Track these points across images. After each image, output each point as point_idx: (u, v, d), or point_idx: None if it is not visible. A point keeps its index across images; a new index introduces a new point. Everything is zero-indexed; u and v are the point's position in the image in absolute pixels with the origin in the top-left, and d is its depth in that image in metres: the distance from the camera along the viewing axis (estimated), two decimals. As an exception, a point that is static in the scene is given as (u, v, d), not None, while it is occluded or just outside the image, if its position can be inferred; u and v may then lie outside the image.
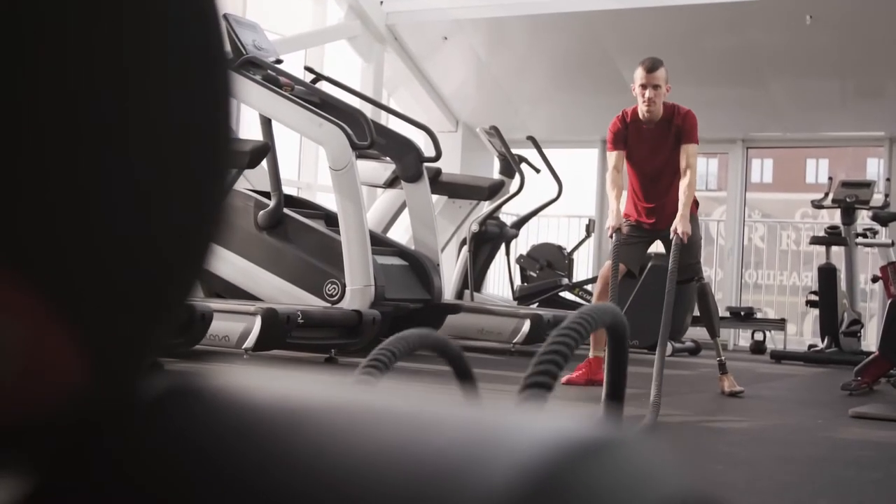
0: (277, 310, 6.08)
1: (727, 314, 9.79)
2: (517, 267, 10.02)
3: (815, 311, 9.53)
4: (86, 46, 0.34)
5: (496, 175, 9.44)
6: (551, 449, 0.30)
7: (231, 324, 6.08)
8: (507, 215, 10.08)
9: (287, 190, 7.81)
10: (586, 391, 5.45)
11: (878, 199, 9.15)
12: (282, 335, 6.09)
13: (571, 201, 10.65)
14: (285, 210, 7.18)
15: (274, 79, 7.10)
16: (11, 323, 0.34)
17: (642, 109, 5.64)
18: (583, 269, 10.94)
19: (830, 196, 9.05)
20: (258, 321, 6.02)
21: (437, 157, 7.75)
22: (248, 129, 7.88)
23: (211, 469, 0.34)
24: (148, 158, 0.36)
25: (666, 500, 0.31)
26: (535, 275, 9.97)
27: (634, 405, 4.75)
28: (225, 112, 0.38)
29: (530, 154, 9.43)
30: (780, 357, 8.89)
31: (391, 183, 8.32)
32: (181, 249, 0.38)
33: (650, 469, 0.32)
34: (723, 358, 5.85)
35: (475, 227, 9.00)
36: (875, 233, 8.57)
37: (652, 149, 5.70)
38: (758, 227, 14.79)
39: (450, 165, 9.30)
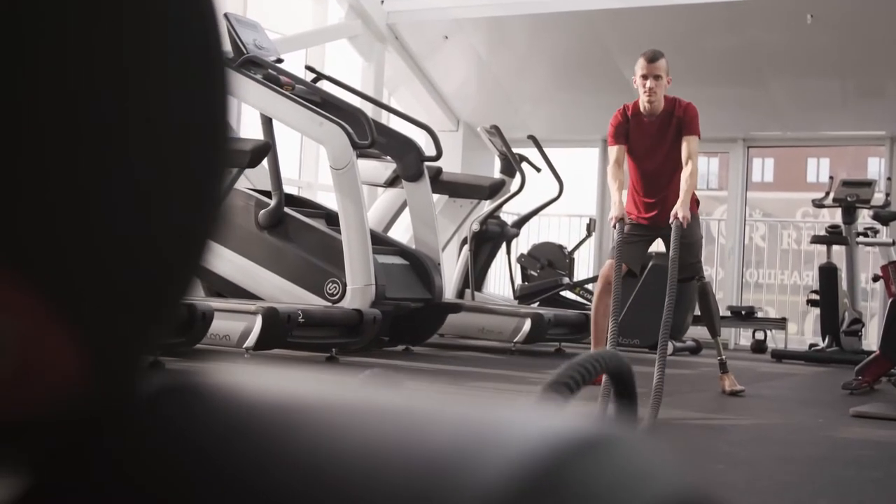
0: (278, 309, 6.08)
1: (728, 313, 9.79)
2: (518, 266, 10.02)
3: (816, 311, 9.54)
4: (84, 46, 0.34)
5: (497, 174, 9.44)
6: (547, 446, 0.30)
7: (232, 323, 6.09)
8: (508, 214, 10.09)
9: (288, 189, 7.81)
10: (586, 390, 5.44)
11: (878, 198, 9.15)
12: (282, 334, 6.09)
13: (572, 200, 10.66)
14: (286, 209, 7.19)
15: (275, 78, 7.10)
16: (10, 321, 0.34)
17: (643, 100, 5.64)
18: (584, 268, 10.94)
19: (831, 195, 9.05)
20: (259, 320, 6.02)
21: (438, 157, 7.75)
22: (248, 128, 7.88)
23: (209, 467, 0.34)
24: (146, 158, 0.36)
25: (663, 498, 0.31)
26: (535, 274, 9.97)
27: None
28: (223, 111, 0.38)
29: (531, 153, 9.44)
30: (780, 356, 8.90)
31: (392, 182, 8.32)
32: (180, 248, 0.38)
33: (647, 467, 0.32)
34: (723, 357, 5.85)
35: (476, 227, 9.00)
36: (876, 232, 8.57)
37: (653, 142, 5.70)
38: (759, 227, 14.79)
39: (450, 165, 9.30)
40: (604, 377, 4.48)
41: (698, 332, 8.36)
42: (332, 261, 6.89)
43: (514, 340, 7.92)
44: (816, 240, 9.32)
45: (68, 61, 0.34)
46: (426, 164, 7.73)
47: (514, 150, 9.19)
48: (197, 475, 0.34)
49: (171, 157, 0.36)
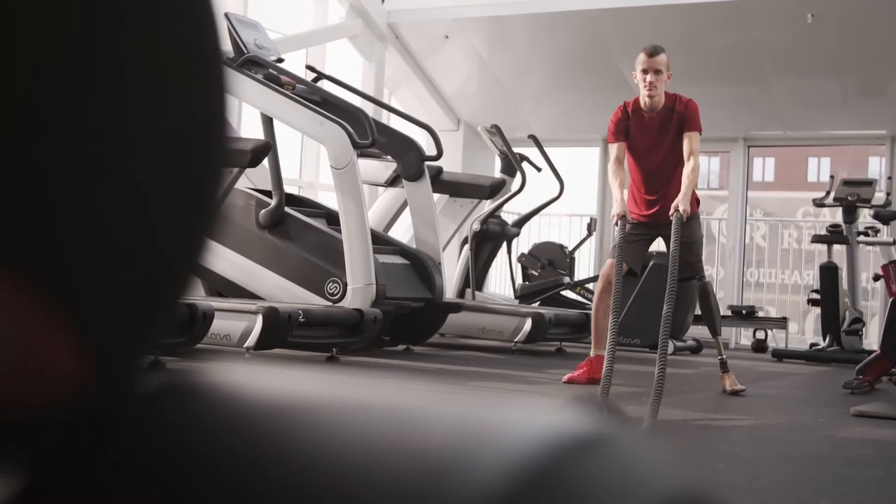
0: (279, 308, 6.08)
1: (729, 313, 9.78)
2: (518, 266, 10.02)
3: (817, 310, 9.53)
4: (82, 46, 0.35)
5: (497, 174, 9.44)
6: (544, 445, 0.30)
7: (232, 323, 6.08)
8: (509, 214, 10.09)
9: (288, 189, 7.81)
10: (587, 390, 5.45)
11: (879, 197, 9.15)
12: (283, 334, 6.09)
13: (573, 200, 10.65)
14: (287, 209, 7.18)
15: (275, 78, 7.10)
16: (9, 321, 0.34)
17: (644, 95, 5.64)
18: (584, 267, 10.94)
19: (832, 194, 9.05)
20: (259, 320, 6.02)
21: (439, 156, 7.74)
22: (249, 127, 7.88)
23: (207, 466, 0.34)
24: (144, 157, 0.36)
25: (660, 497, 0.31)
26: (536, 274, 9.97)
27: (636, 404, 4.75)
28: (221, 111, 0.38)
29: (531, 153, 9.43)
30: (781, 355, 8.89)
31: (392, 182, 8.32)
32: (178, 247, 0.38)
33: (643, 465, 0.32)
34: (724, 356, 5.85)
35: (476, 226, 9.00)
36: (876, 231, 8.57)
37: (654, 139, 5.69)
38: (759, 226, 14.77)
39: (451, 164, 9.30)
40: (603, 374, 4.46)
41: (699, 332, 8.36)
42: (332, 260, 6.89)
43: (515, 340, 7.92)
44: (817, 239, 9.32)
45: (66, 61, 0.34)
46: (427, 163, 7.72)
47: (515, 150, 9.19)
48: (195, 473, 0.34)
49: (169, 156, 0.37)
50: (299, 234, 7.12)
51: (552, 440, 0.31)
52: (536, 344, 8.22)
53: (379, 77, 10.29)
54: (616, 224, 5.55)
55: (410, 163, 7.68)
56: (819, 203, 9.26)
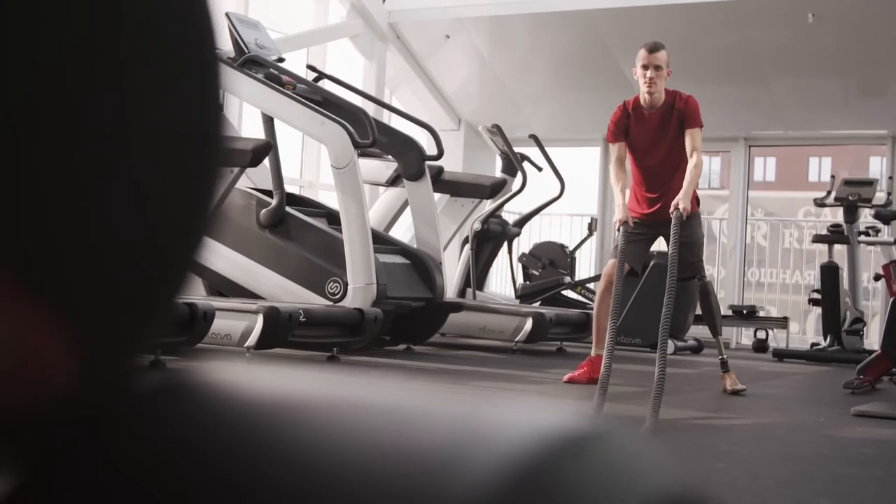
0: (279, 308, 6.08)
1: (730, 312, 9.78)
2: (519, 265, 10.03)
3: (818, 310, 9.53)
4: (80, 46, 0.35)
5: (498, 173, 9.44)
6: (538, 443, 0.30)
7: (233, 322, 6.09)
8: (510, 214, 10.09)
9: (289, 188, 7.81)
10: (587, 389, 5.45)
11: (880, 197, 9.15)
12: (284, 334, 6.09)
13: (574, 200, 10.65)
14: (287, 208, 7.19)
15: (276, 77, 7.10)
16: (5, 319, 0.34)
17: (643, 92, 5.65)
18: (585, 267, 10.94)
19: (833, 194, 9.05)
20: (260, 319, 6.02)
21: (440, 156, 7.75)
22: (250, 127, 7.88)
23: (202, 464, 0.34)
24: (140, 156, 0.36)
25: (653, 496, 0.31)
26: (537, 273, 9.98)
27: (636, 403, 4.75)
28: (216, 109, 0.38)
29: (532, 152, 9.44)
30: (782, 355, 8.89)
31: (393, 181, 8.32)
32: (174, 246, 0.38)
33: (637, 464, 0.32)
34: (725, 356, 5.85)
35: (477, 226, 9.00)
36: (877, 231, 8.57)
37: (654, 136, 5.70)
38: (760, 226, 14.77)
39: (452, 164, 9.30)
40: (601, 373, 4.47)
41: (700, 332, 8.36)
42: (333, 260, 6.89)
43: (516, 340, 7.92)
44: (818, 239, 9.32)
45: (65, 61, 0.34)
46: (427, 163, 7.72)
47: (516, 150, 9.19)
48: (191, 472, 0.34)
49: (165, 155, 0.37)
50: (300, 233, 7.12)
51: (546, 439, 0.31)
52: (537, 344, 8.23)
53: (380, 77, 10.29)
54: (618, 231, 5.57)
55: (411, 162, 7.68)
56: (820, 203, 9.25)
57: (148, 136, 0.36)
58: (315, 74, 8.14)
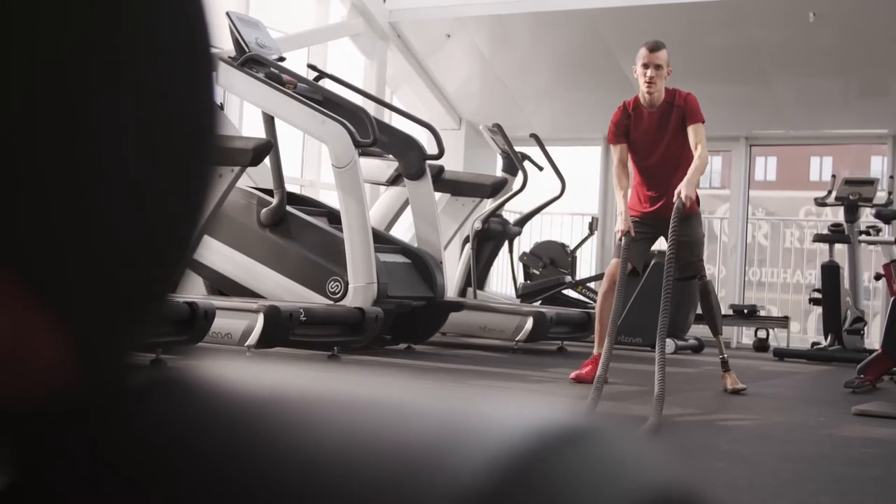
0: (280, 307, 6.08)
1: (730, 312, 9.79)
2: (520, 265, 10.03)
3: (819, 309, 9.53)
4: (79, 47, 0.35)
5: (499, 173, 9.44)
6: (527, 438, 0.30)
7: (234, 321, 6.09)
8: (510, 213, 10.09)
9: (290, 187, 7.81)
10: (586, 389, 5.45)
11: (881, 196, 9.14)
12: (284, 333, 6.09)
13: (574, 199, 10.65)
14: (288, 207, 7.19)
15: (277, 76, 7.10)
16: (0, 315, 0.34)
17: (643, 91, 5.65)
18: (586, 266, 10.94)
19: (834, 194, 9.05)
20: (261, 319, 6.02)
21: (440, 155, 7.75)
22: (251, 126, 7.88)
23: (194, 459, 0.34)
24: (135, 154, 0.36)
25: (643, 490, 0.31)
26: (538, 272, 9.98)
27: (637, 403, 4.76)
28: (211, 108, 0.38)
29: (533, 152, 9.44)
30: (783, 355, 8.89)
31: (394, 180, 8.32)
32: (168, 244, 0.38)
33: (626, 459, 0.32)
34: (725, 355, 5.85)
35: (478, 225, 9.00)
36: (878, 230, 8.57)
37: (654, 135, 5.71)
38: (761, 225, 14.77)
39: (453, 163, 9.30)
40: (597, 371, 4.47)
41: (700, 331, 8.36)
42: (334, 259, 6.89)
43: (517, 339, 7.92)
44: (819, 238, 9.32)
45: (63, 61, 0.34)
46: (428, 162, 7.72)
47: (517, 149, 9.19)
48: (184, 468, 0.34)
49: (158, 153, 0.37)
50: (301, 232, 7.12)
51: (536, 434, 0.31)
52: (538, 343, 8.23)
53: (380, 76, 10.30)
54: (620, 240, 5.58)
55: (412, 161, 7.68)
56: (821, 202, 9.25)
57: (143, 134, 0.36)
58: (316, 74, 8.14)
